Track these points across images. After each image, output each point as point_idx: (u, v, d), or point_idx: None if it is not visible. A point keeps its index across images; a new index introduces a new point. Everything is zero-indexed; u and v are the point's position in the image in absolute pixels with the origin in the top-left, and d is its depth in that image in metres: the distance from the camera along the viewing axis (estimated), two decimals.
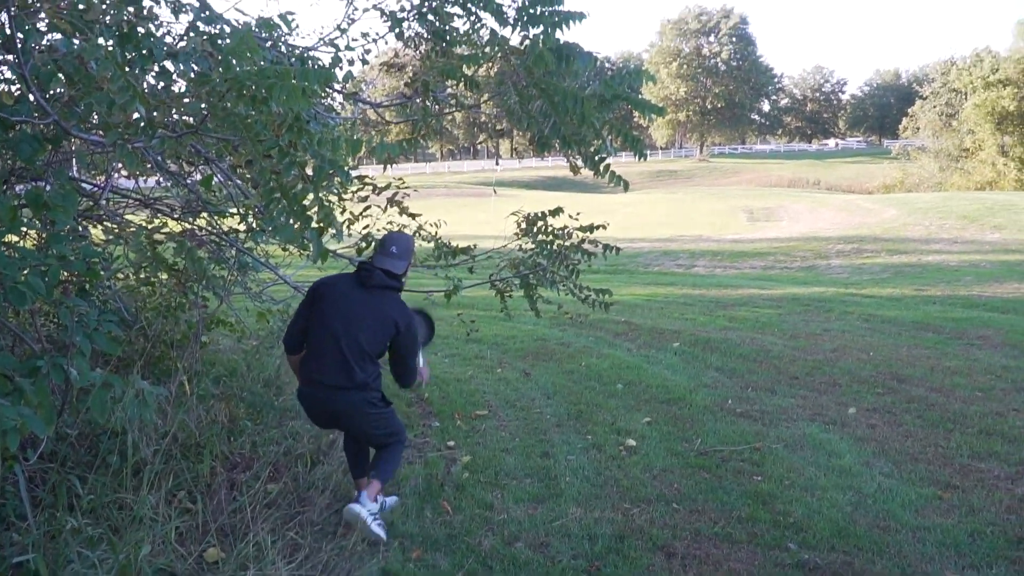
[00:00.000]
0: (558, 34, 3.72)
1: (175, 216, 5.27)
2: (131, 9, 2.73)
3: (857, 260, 19.58)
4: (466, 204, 47.13)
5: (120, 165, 4.61)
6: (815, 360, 8.22)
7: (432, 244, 6.09)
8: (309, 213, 3.07)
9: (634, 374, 7.64)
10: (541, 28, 3.73)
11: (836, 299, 12.79)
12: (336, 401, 4.08)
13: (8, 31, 2.65)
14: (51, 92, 2.91)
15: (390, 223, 5.80)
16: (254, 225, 5.06)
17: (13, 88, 3.22)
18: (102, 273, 4.26)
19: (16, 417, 2.42)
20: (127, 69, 2.55)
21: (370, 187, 5.80)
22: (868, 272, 17.34)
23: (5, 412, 2.39)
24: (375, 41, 5.36)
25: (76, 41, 2.55)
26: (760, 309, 11.96)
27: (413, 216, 5.93)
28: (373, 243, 5.73)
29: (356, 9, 5.28)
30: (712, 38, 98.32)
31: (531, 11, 3.76)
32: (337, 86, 5.12)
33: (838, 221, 28.76)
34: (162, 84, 3.06)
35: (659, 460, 5.34)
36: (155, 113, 2.72)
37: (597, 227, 5.74)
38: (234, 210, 5.33)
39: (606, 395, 6.95)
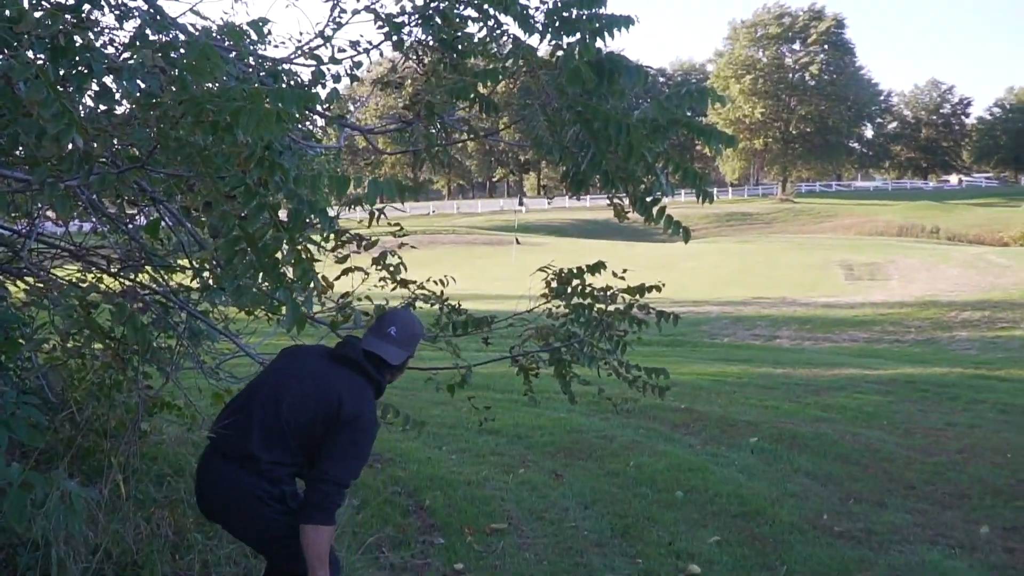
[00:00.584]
0: (599, 43, 3.79)
1: (112, 271, 5.35)
2: (69, 17, 2.84)
3: (989, 332, 19.40)
4: (480, 255, 47.43)
5: (45, 206, 4.71)
6: (936, 463, 8.12)
7: (436, 307, 6.09)
8: (282, 269, 3.12)
9: (698, 478, 7.58)
10: (578, 36, 3.81)
11: (963, 383, 12.66)
12: (214, 474, 3.76)
13: None
14: None
15: (381, 283, 5.82)
16: (210, 282, 5.13)
17: None
18: (22, 343, 4.33)
19: None
20: (61, 89, 2.64)
21: (354, 240, 5.82)
22: (1004, 348, 17.16)
23: None
24: (367, 51, 5.50)
25: (1, 58, 2.65)
26: (863, 395, 11.86)
27: (406, 284, 5.90)
28: (354, 315, 5.74)
29: (343, 12, 5.42)
30: (798, 45, 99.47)
31: (565, 15, 3.85)
32: (319, 107, 5.24)
33: (964, 281, 28.59)
34: (102, 107, 3.15)
35: None
36: (94, 144, 2.80)
37: (650, 288, 5.75)
38: (185, 263, 5.41)
39: (661, 506, 6.90)
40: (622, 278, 5.91)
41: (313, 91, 4.91)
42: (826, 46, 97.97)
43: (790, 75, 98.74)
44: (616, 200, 4.46)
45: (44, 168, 2.74)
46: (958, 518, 6.63)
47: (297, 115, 3.41)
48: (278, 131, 2.77)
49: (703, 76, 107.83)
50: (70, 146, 2.77)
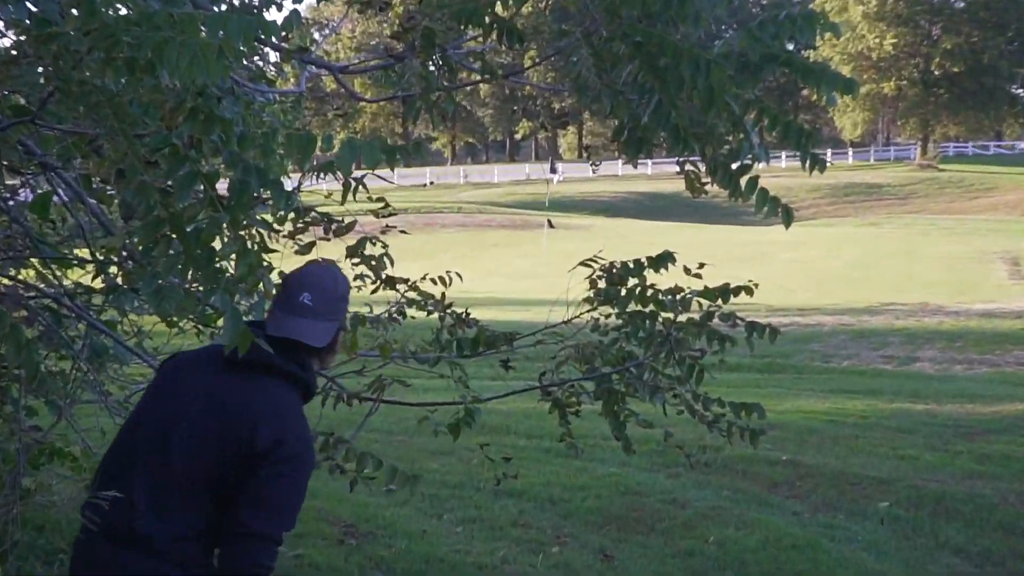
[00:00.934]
0: None
1: None
2: None
3: None
4: (498, 241, 47.55)
5: None
6: None
7: (435, 316, 6.09)
8: (220, 263, 3.12)
9: (806, 559, 7.59)
10: None
11: None
12: (98, 565, 3.54)
13: None
14: None
15: (359, 282, 5.81)
16: (120, 281, 5.14)
17: None
18: None
19: None
20: None
21: (321, 222, 5.81)
22: None
23: None
24: None
25: None
26: None
27: (393, 283, 5.89)
28: None
29: None
30: None
31: None
32: (273, 37, 5.25)
33: None
34: None
35: None
36: None
37: (737, 290, 5.73)
38: (86, 254, 5.43)
39: None
40: (697, 275, 5.85)
41: (271, 22, 4.90)
42: None
43: None
44: (689, 166, 4.44)
45: None
46: None
47: (244, 49, 3.40)
48: (217, 72, 2.75)
49: None
50: None
